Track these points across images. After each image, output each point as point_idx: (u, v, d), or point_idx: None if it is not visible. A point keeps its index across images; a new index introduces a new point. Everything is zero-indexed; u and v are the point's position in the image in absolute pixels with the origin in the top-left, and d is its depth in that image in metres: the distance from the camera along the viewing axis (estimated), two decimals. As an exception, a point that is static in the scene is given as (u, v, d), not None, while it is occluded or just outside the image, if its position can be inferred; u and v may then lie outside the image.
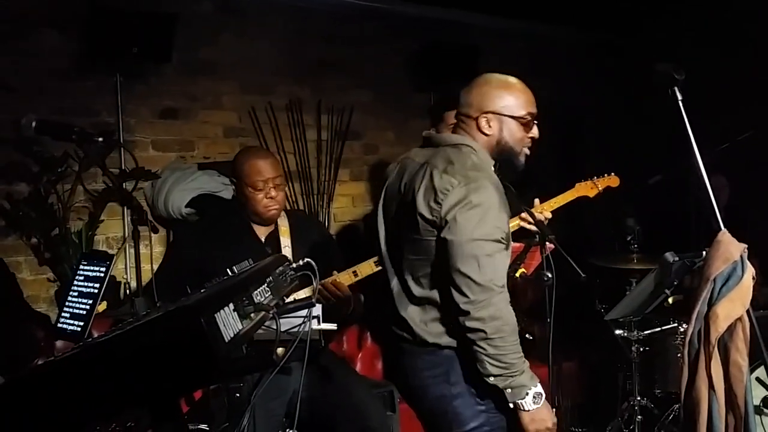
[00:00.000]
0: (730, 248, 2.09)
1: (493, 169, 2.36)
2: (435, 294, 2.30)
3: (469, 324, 2.16)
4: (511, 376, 2.17)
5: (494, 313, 2.14)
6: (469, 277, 2.15)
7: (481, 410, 2.30)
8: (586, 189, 3.47)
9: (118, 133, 4.32)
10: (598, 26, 6.14)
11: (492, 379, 2.19)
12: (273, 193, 3.10)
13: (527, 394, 2.18)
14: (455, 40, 5.52)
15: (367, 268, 3.16)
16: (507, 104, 2.34)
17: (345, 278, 3.14)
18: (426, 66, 5.40)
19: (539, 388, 2.22)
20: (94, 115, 4.28)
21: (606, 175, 3.53)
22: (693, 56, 5.02)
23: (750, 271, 2.08)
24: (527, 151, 2.41)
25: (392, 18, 5.47)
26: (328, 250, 3.37)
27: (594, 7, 5.66)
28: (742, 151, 4.56)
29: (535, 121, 2.40)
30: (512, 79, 2.41)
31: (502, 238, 2.21)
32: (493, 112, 2.33)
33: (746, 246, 2.11)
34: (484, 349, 2.16)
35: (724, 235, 2.13)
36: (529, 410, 2.20)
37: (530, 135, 2.39)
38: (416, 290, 2.33)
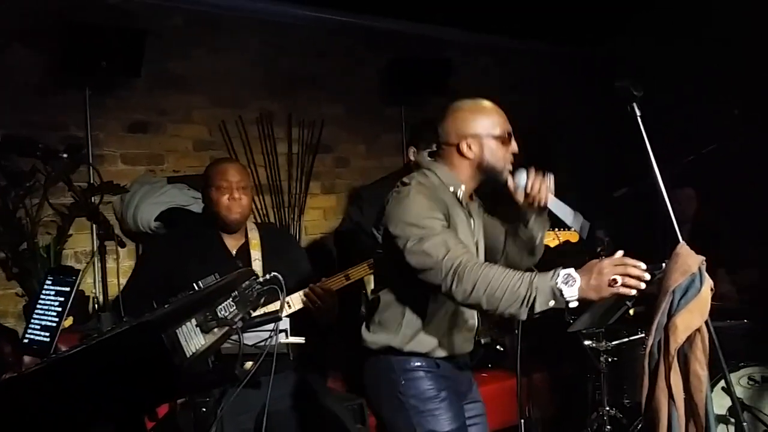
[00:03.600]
0: (688, 261, 2.13)
1: (453, 190, 2.42)
2: (378, 300, 2.42)
3: (465, 305, 2.16)
4: (534, 298, 2.02)
5: (471, 285, 2.07)
6: (427, 269, 2.15)
7: (408, 415, 2.35)
8: (548, 239, 3.60)
9: (87, 148, 4.30)
10: (568, 40, 6.22)
11: (531, 312, 2.05)
12: (236, 195, 3.10)
13: (559, 290, 2.00)
14: (426, 54, 5.57)
15: (361, 271, 3.22)
16: (484, 126, 2.41)
17: (336, 282, 3.18)
18: (397, 80, 5.45)
19: (561, 275, 2.01)
20: (63, 129, 4.26)
21: (567, 229, 3.65)
22: (661, 68, 5.14)
23: (708, 283, 2.12)
24: (510, 167, 2.46)
25: (363, 32, 5.51)
26: (299, 264, 3.37)
27: (563, 21, 5.73)
28: (709, 163, 4.63)
29: (512, 138, 2.47)
30: (484, 102, 2.48)
31: (431, 224, 2.20)
32: (472, 136, 2.40)
33: (704, 258, 2.15)
34: (495, 309, 2.07)
35: (683, 248, 2.17)
36: (576, 295, 2.00)
37: (511, 151, 2.46)
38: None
